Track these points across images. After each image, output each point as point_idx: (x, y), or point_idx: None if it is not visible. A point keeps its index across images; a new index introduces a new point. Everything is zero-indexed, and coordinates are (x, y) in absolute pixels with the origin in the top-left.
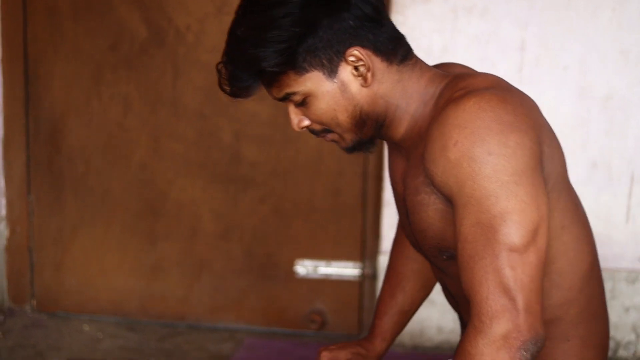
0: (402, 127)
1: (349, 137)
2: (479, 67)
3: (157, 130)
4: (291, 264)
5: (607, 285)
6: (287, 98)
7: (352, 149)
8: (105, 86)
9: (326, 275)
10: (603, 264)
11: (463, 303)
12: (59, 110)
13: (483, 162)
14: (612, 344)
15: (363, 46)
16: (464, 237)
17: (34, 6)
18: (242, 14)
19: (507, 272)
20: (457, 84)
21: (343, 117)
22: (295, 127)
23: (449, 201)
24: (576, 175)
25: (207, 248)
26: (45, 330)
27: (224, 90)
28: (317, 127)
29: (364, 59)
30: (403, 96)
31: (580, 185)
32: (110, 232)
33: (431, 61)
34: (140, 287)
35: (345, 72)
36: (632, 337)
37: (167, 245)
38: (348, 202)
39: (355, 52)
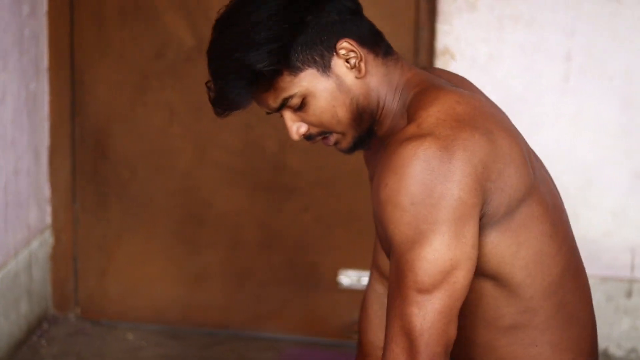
0: (387, 123)
1: (350, 135)
2: (525, 78)
3: (201, 138)
4: (334, 274)
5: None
6: (284, 105)
7: (353, 147)
8: (150, 94)
9: None
10: None
11: None
12: (104, 117)
13: (405, 209)
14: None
15: (351, 38)
16: (390, 278)
17: (80, 13)
18: (220, 30)
19: (410, 315)
20: (419, 106)
21: (343, 113)
22: (295, 136)
23: None
24: (620, 186)
25: (249, 257)
26: (89, 338)
27: (216, 107)
28: (315, 130)
29: (355, 49)
30: (390, 90)
31: (624, 196)
32: (153, 240)
33: (477, 71)
34: (183, 296)
35: (339, 65)
36: None
37: (209, 254)
38: None
39: (345, 44)
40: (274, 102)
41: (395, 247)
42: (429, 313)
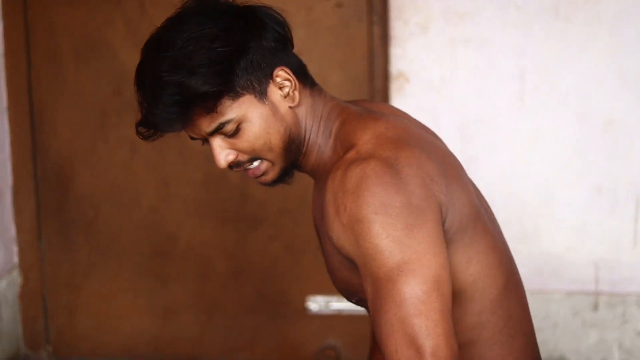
0: (312, 157)
1: (278, 165)
2: (480, 98)
3: (164, 172)
4: (303, 301)
5: (618, 310)
6: (217, 130)
7: (278, 179)
8: (110, 130)
9: (338, 310)
10: (612, 289)
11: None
12: (65, 155)
13: (371, 221)
14: None
15: (287, 66)
16: (369, 296)
17: (37, 53)
18: (157, 49)
19: (411, 321)
20: (350, 136)
21: (276, 141)
22: (222, 163)
23: (351, 261)
24: (581, 200)
25: (218, 288)
26: None
27: (144, 128)
28: (244, 157)
29: (290, 78)
30: (315, 121)
31: (585, 210)
32: (121, 275)
33: (433, 94)
34: (153, 329)
35: (274, 93)
36: None
37: (178, 287)
38: None
39: (281, 72)
40: (207, 127)
41: (370, 261)
42: (431, 314)
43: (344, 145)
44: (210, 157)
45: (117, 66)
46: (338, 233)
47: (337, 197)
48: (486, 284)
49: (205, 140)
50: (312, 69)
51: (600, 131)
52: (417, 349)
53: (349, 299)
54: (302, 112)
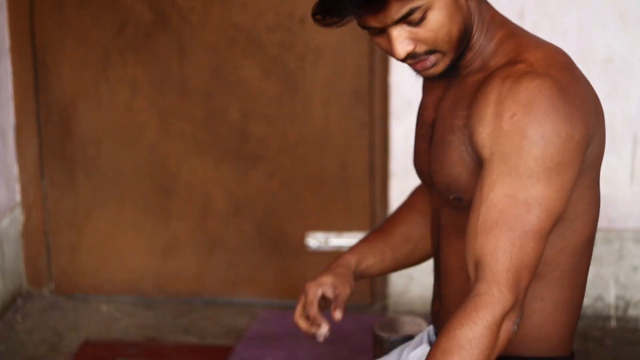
0: (471, 53)
1: (449, 57)
2: None
3: (165, 111)
4: (302, 237)
5: (615, 246)
6: (406, 16)
7: (445, 72)
8: (112, 70)
9: (338, 246)
10: (609, 224)
11: (448, 270)
12: (68, 95)
13: (535, 143)
14: (621, 304)
15: None
16: (492, 202)
17: None
18: None
19: (527, 251)
20: (520, 49)
21: (455, 31)
22: (402, 53)
23: (479, 158)
24: None
25: (219, 225)
26: (63, 312)
27: (327, 11)
28: (422, 48)
29: None
30: (479, 21)
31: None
32: (123, 213)
33: None
34: (155, 266)
35: None
36: None
37: (179, 224)
38: (356, 174)
39: None
40: (396, 13)
41: (515, 177)
42: (538, 254)
43: (509, 54)
44: (209, 94)
45: (119, 6)
46: (491, 135)
47: (503, 102)
48: (580, 226)
49: (381, 31)
50: None
51: (599, 70)
52: (521, 277)
53: (444, 195)
54: (473, 7)
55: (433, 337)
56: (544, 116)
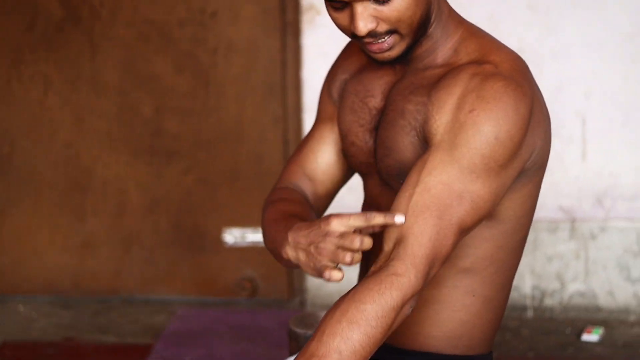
0: (426, 44)
1: (407, 40)
2: None
3: (78, 107)
4: (219, 233)
5: (530, 237)
6: None
7: (401, 55)
8: (25, 67)
9: (254, 242)
10: None
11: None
12: None
13: (486, 141)
14: (537, 294)
15: None
16: (427, 186)
17: None
18: None
19: (447, 242)
20: (483, 50)
21: (418, 16)
22: (363, 30)
23: (427, 143)
24: None
25: (135, 222)
26: None
27: None
28: (383, 28)
29: None
30: (438, 14)
31: None
32: (38, 211)
33: None
34: (72, 264)
35: None
36: (557, 285)
37: (95, 221)
38: (271, 168)
39: None
40: None
41: (457, 168)
42: (453, 246)
43: (473, 54)
44: (122, 90)
45: (29, 3)
46: (444, 121)
47: (467, 95)
48: (520, 226)
49: (344, 5)
50: (224, 3)
51: None
52: (433, 263)
53: (392, 180)
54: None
55: None
56: (504, 116)
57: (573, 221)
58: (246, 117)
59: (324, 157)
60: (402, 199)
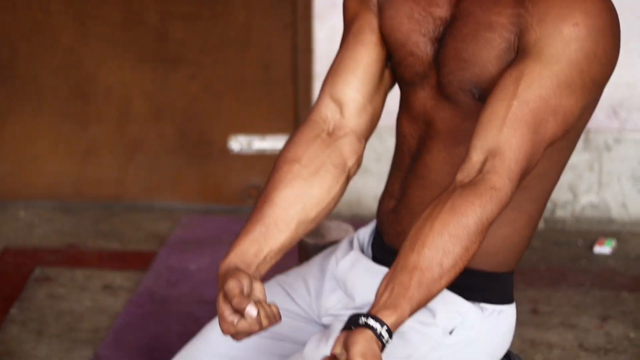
0: None
1: None
2: None
3: (82, 13)
4: (225, 141)
5: None
6: None
7: None
8: None
9: (260, 149)
10: None
11: (433, 174)
12: None
13: (586, 57)
14: (549, 205)
15: None
16: (526, 99)
17: None
18: None
19: (536, 158)
20: None
21: None
22: None
23: (518, 54)
24: None
25: (139, 129)
26: None
27: None
28: None
29: None
30: None
31: None
32: (40, 118)
33: None
34: (74, 171)
35: None
36: (569, 196)
37: (98, 128)
38: (279, 75)
39: None
40: None
41: (555, 82)
42: (537, 162)
43: None
44: None
45: None
46: (546, 33)
47: (571, 7)
48: (573, 142)
49: None
50: None
51: None
52: (527, 170)
53: (461, 94)
54: None
55: (365, 242)
56: (603, 34)
57: (587, 132)
58: (254, 23)
59: (360, 90)
60: (498, 108)
